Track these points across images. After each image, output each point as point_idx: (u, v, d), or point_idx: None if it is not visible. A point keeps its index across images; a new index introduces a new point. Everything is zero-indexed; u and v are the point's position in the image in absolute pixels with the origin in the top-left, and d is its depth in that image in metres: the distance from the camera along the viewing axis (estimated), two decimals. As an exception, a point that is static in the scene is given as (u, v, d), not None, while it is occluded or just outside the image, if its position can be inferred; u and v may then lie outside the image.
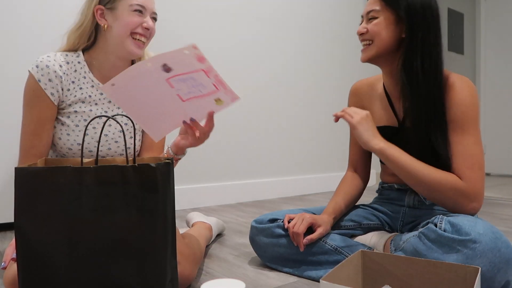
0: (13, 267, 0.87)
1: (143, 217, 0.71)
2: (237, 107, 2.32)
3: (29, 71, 1.07)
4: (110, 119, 0.86)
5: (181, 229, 1.48)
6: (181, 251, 0.95)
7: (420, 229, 0.96)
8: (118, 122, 0.74)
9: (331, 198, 1.22)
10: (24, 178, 0.69)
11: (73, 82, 1.10)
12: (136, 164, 0.71)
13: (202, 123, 0.98)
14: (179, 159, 1.10)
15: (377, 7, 1.05)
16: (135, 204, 0.71)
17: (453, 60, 4.07)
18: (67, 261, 0.69)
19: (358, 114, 1.04)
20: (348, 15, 3.06)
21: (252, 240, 1.17)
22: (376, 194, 1.33)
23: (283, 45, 2.67)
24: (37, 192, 0.69)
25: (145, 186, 0.71)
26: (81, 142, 1.08)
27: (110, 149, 1.14)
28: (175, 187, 0.86)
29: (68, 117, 1.10)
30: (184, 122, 0.96)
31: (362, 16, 1.11)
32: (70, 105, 1.10)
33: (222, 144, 2.34)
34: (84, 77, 1.11)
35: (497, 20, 4.20)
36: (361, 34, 1.09)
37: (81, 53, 1.13)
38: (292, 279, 1.06)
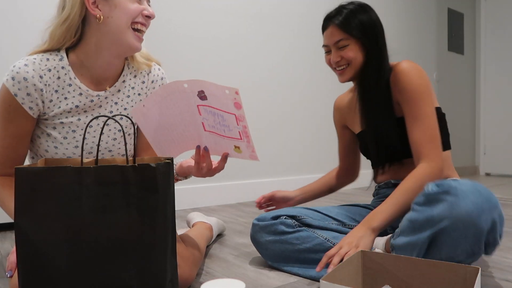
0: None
1: (143, 217, 0.71)
2: (237, 107, 2.32)
3: (3, 83, 0.94)
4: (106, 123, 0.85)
5: (181, 229, 1.49)
6: (179, 252, 0.94)
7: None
8: (117, 122, 0.74)
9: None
10: (24, 178, 0.69)
11: (56, 91, 0.98)
12: (136, 164, 0.71)
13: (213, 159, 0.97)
14: (180, 180, 1.08)
15: (344, 36, 1.17)
16: (135, 204, 0.71)
17: (453, 60, 4.07)
18: (67, 261, 0.69)
19: (352, 245, 0.99)
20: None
21: (253, 238, 1.17)
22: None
23: (281, 44, 2.67)
24: (37, 192, 0.69)
25: (145, 186, 0.71)
26: (70, 155, 1.02)
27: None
28: (175, 187, 0.86)
29: (54, 128, 1.00)
30: (198, 147, 0.95)
31: (326, 46, 1.23)
32: (54, 116, 0.99)
33: (222, 144, 2.35)
34: (70, 85, 0.99)
35: (497, 20, 4.20)
36: (336, 62, 1.20)
37: (64, 55, 0.99)
38: (292, 279, 1.06)
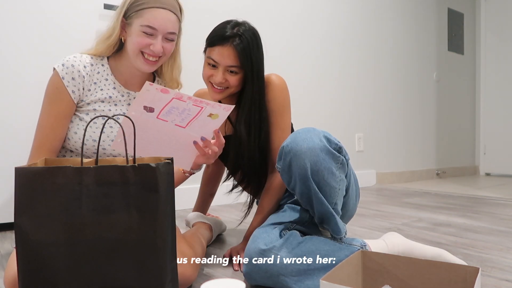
0: (14, 267, 0.87)
1: (143, 217, 0.71)
2: (237, 107, 2.32)
3: (54, 68, 1.11)
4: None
5: (181, 229, 1.48)
6: (182, 251, 0.95)
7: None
8: (118, 122, 0.74)
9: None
10: (24, 178, 0.69)
11: (95, 83, 1.15)
12: (136, 164, 0.71)
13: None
14: (193, 173, 1.15)
15: (238, 64, 1.17)
16: (135, 204, 0.71)
17: (453, 60, 4.07)
18: (67, 261, 0.69)
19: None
20: (344, 13, 3.06)
21: (266, 269, 0.96)
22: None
23: (280, 44, 2.67)
24: (37, 192, 0.69)
25: (145, 186, 0.71)
26: (96, 139, 1.11)
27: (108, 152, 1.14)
28: (176, 187, 0.87)
29: (87, 114, 1.13)
30: (195, 142, 0.99)
31: (214, 61, 1.17)
32: (89, 103, 1.13)
33: (222, 144, 2.35)
34: (106, 79, 1.16)
35: (497, 20, 4.20)
36: (219, 83, 1.18)
37: (105, 59, 1.19)
38: (292, 279, 1.06)
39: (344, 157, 1.05)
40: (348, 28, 3.05)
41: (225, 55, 1.15)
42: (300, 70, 2.77)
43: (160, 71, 1.27)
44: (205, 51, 1.22)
